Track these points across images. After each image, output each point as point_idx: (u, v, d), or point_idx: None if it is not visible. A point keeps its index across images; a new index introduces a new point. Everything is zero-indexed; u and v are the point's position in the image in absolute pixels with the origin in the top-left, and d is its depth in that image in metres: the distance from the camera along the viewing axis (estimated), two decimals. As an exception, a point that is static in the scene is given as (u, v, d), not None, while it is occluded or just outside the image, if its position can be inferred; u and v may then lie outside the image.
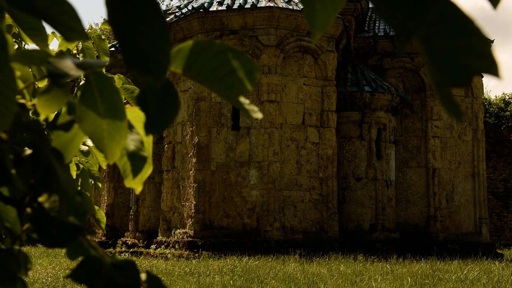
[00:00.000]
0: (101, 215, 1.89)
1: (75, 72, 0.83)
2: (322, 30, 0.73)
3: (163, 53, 0.78)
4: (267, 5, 15.99)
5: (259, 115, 0.90)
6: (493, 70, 0.66)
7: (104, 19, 2.42)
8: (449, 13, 0.65)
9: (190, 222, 15.81)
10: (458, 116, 0.68)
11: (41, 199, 0.85)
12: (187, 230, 15.91)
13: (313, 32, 0.74)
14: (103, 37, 2.40)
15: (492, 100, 29.75)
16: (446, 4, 0.65)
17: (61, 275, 10.15)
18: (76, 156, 2.05)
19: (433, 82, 0.67)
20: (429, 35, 0.65)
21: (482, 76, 19.44)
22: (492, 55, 0.66)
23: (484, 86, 46.05)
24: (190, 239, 15.50)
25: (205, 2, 16.63)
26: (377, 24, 19.44)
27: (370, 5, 22.08)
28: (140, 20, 0.76)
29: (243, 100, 0.89)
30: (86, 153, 2.01)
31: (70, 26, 0.83)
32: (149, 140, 1.03)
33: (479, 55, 0.65)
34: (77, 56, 2.30)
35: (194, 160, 15.99)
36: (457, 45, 0.65)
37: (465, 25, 0.65)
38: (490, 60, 0.66)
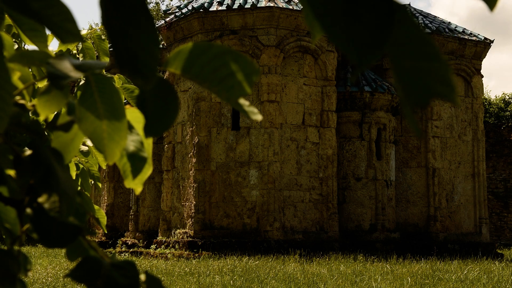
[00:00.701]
0: (102, 214, 1.89)
1: (74, 73, 0.83)
2: (320, 31, 0.73)
3: (152, 56, 0.79)
4: (267, 5, 15.99)
5: (258, 117, 0.90)
6: (451, 96, 0.68)
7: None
8: (414, 36, 0.66)
9: (190, 222, 15.81)
10: (418, 135, 0.69)
11: (41, 199, 0.85)
12: (187, 230, 15.92)
13: (312, 33, 0.74)
14: (103, 37, 2.39)
15: (492, 100, 29.75)
16: (411, 26, 0.66)
17: (61, 275, 10.15)
18: (76, 156, 2.05)
19: (399, 99, 0.69)
20: (396, 55, 0.66)
21: (482, 76, 19.44)
22: (451, 81, 0.67)
23: (484, 86, 46.03)
24: (190, 239, 15.51)
25: (205, 2, 16.63)
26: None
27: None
28: (132, 24, 0.77)
29: (243, 101, 0.90)
30: (86, 153, 2.02)
31: (65, 27, 0.84)
32: (149, 141, 1.04)
33: (439, 80, 0.67)
34: (77, 56, 2.30)
35: (194, 160, 15.99)
36: (421, 68, 0.66)
37: (427, 49, 0.66)
38: (449, 86, 0.67)
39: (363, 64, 0.65)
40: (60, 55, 0.87)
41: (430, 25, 18.60)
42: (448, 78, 0.67)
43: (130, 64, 0.78)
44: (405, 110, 0.68)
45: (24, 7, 0.81)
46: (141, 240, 17.92)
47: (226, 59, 0.87)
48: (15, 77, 1.04)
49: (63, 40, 0.85)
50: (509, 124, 27.53)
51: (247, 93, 0.88)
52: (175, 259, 14.74)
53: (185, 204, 16.32)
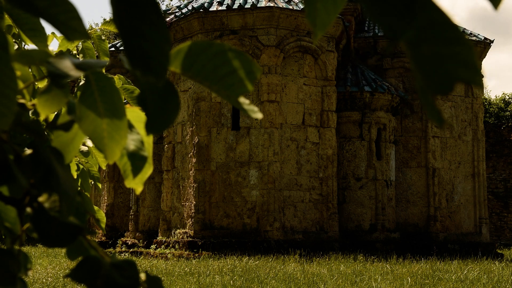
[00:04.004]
0: (101, 215, 1.89)
1: (75, 72, 0.83)
2: (323, 29, 0.73)
3: (163, 53, 0.79)
4: (267, 5, 15.99)
5: (259, 115, 0.90)
6: (476, 80, 0.66)
7: (104, 19, 2.41)
8: (437, 20, 0.65)
9: (190, 222, 15.81)
10: (440, 124, 0.68)
11: (41, 199, 0.85)
12: (187, 230, 15.91)
13: (314, 31, 0.74)
14: (103, 37, 2.39)
15: (492, 100, 29.75)
16: (434, 10, 0.65)
17: (61, 275, 10.15)
18: (76, 157, 2.05)
19: (418, 88, 0.67)
20: (416, 41, 0.65)
21: (482, 76, 19.41)
22: (476, 64, 0.66)
23: (484, 86, 45.91)
24: (190, 239, 15.50)
25: (205, 2, 16.63)
26: (377, 24, 19.42)
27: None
28: (143, 21, 0.77)
29: (243, 100, 0.90)
30: (85, 154, 2.01)
31: (71, 25, 0.84)
32: (149, 140, 1.03)
33: (463, 64, 0.65)
34: (77, 56, 2.30)
35: (194, 160, 15.99)
36: (442, 53, 0.65)
37: (450, 32, 0.65)
38: (473, 69, 0.66)
39: (397, 38, 0.65)
40: (60, 54, 0.87)
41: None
42: (472, 61, 0.65)
43: (142, 62, 0.78)
44: (425, 99, 0.67)
45: (29, 6, 0.81)
46: (141, 240, 17.91)
47: (226, 57, 0.87)
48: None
49: (69, 38, 0.85)
50: (509, 124, 27.53)
51: (248, 90, 0.88)
52: (175, 259, 14.73)
53: (185, 204, 16.32)
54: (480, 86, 0.66)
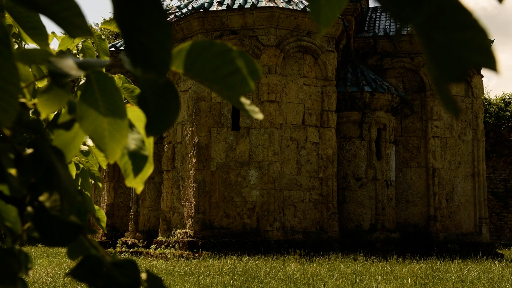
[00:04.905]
0: (102, 214, 1.89)
1: (76, 71, 0.83)
2: (327, 26, 0.73)
3: (165, 50, 0.79)
4: (267, 5, 15.99)
5: (260, 116, 0.90)
6: (491, 64, 0.65)
7: (104, 19, 2.41)
8: (448, 5, 0.64)
9: (190, 222, 15.81)
10: (456, 113, 0.67)
11: (42, 198, 0.85)
12: (187, 230, 15.91)
13: (318, 28, 0.74)
14: (103, 37, 2.39)
15: (492, 100, 29.74)
16: None
17: (61, 275, 10.15)
18: (76, 156, 2.05)
19: (432, 78, 0.66)
20: (427, 29, 0.64)
21: (482, 76, 19.43)
22: (490, 49, 0.64)
23: (484, 86, 46.02)
24: (190, 239, 15.50)
25: (205, 2, 16.63)
26: (377, 24, 19.44)
27: (371, 5, 22.06)
28: (144, 17, 0.77)
29: (244, 100, 0.89)
30: (86, 153, 2.01)
31: (73, 22, 0.83)
32: (150, 140, 1.03)
33: (477, 49, 0.64)
34: (77, 56, 2.30)
35: (194, 160, 15.99)
36: (455, 39, 0.64)
37: (463, 18, 0.64)
38: (488, 54, 0.64)
39: (405, 24, 0.65)
40: (61, 53, 0.87)
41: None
42: (486, 45, 0.63)
43: (143, 58, 0.78)
44: (440, 88, 0.66)
45: (31, 3, 0.81)
46: (141, 240, 17.91)
47: (227, 57, 0.86)
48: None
49: (71, 34, 0.84)
50: (509, 124, 27.53)
51: (249, 90, 0.88)
52: (175, 259, 14.73)
53: (185, 204, 16.32)
54: (496, 70, 0.65)
